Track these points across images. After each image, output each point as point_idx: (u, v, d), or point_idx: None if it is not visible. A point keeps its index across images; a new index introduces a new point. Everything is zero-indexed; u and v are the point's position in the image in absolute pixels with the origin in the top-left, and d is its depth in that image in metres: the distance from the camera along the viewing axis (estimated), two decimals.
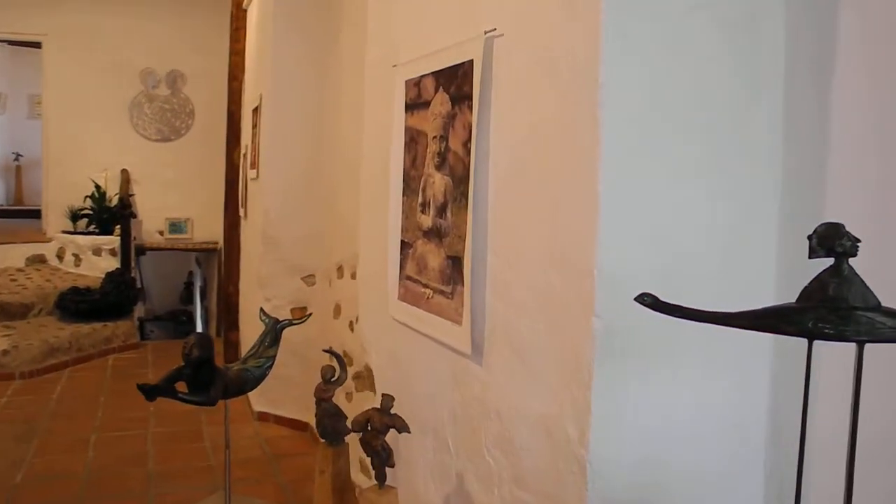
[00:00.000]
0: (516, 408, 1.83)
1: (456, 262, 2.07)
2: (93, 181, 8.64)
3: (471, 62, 1.99)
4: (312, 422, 5.12)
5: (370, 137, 2.87)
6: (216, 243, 9.32)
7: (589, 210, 1.58)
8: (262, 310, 4.46)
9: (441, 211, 2.16)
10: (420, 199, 2.30)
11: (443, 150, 2.15)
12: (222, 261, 9.22)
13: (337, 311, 4.65)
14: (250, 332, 6.10)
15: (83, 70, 8.76)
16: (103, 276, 7.86)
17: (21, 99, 14.35)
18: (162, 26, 8.97)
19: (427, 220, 2.25)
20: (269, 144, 4.98)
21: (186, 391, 3.59)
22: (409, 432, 2.01)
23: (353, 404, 4.25)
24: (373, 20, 2.85)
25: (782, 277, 1.73)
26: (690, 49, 1.63)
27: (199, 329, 11.84)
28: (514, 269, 1.84)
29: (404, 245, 2.42)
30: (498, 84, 1.92)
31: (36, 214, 11.48)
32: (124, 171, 8.66)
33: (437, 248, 2.18)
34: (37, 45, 9.95)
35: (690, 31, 1.63)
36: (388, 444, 2.00)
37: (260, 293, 5.16)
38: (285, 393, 5.03)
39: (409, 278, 2.37)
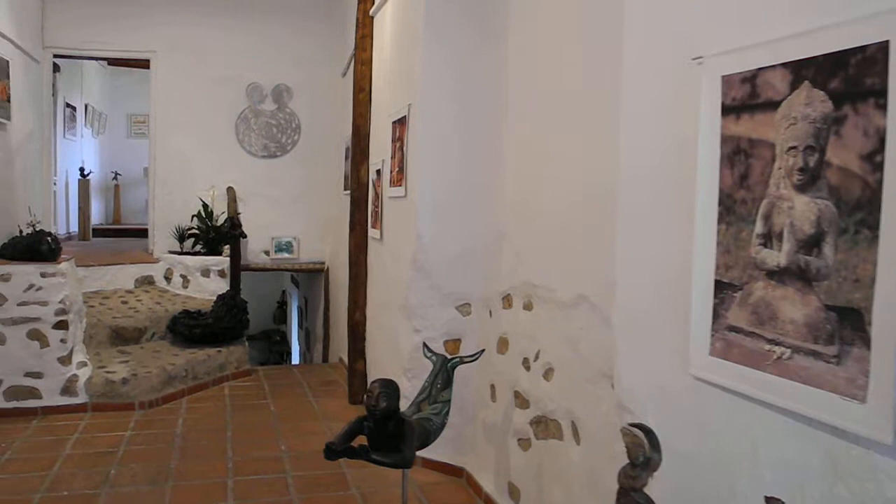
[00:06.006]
0: None
1: (847, 314, 1.53)
2: (200, 199, 8.38)
3: (881, 45, 1.46)
4: (467, 466, 4.67)
5: (634, 149, 2.35)
6: (322, 264, 8.97)
7: None
8: (425, 346, 4.00)
9: (810, 245, 1.62)
10: (759, 229, 1.77)
11: (811, 164, 1.62)
12: (329, 282, 8.87)
13: (503, 345, 4.15)
14: (379, 362, 5.66)
15: (190, 86, 8.57)
16: (212, 298, 7.56)
17: (120, 118, 14.43)
18: (268, 40, 8.74)
19: (776, 257, 1.71)
20: (421, 159, 4.52)
21: (368, 446, 3.13)
22: None
23: (531, 453, 3.75)
24: (638, 3, 2.33)
25: None
26: None
27: (296, 349, 11.54)
28: None
29: (722, 286, 1.88)
30: None
31: (135, 233, 11.42)
32: (230, 189, 8.38)
33: (802, 295, 1.64)
34: (136, 64, 9.86)
35: None
36: None
37: (407, 323, 4.69)
38: None
39: (734, 329, 1.84)
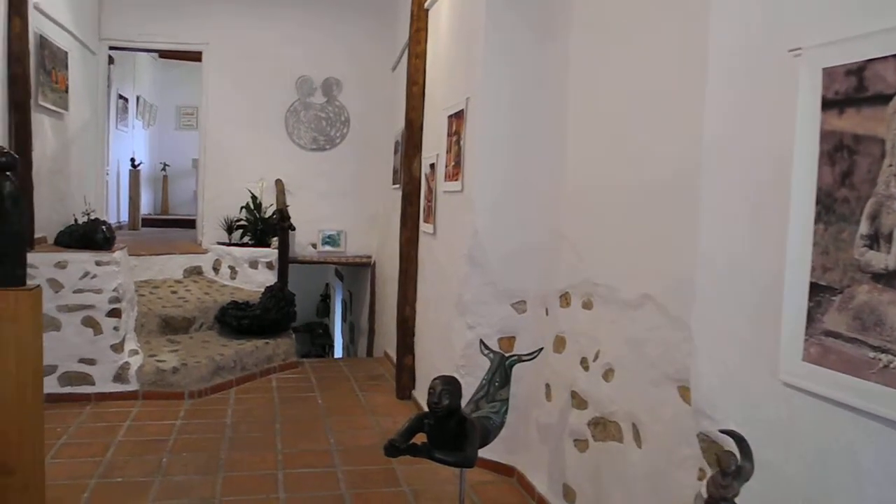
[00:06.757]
0: None
1: None
2: (249, 191, 8.42)
3: None
4: (519, 465, 4.61)
5: (718, 143, 2.26)
6: (369, 258, 8.96)
7: None
8: (482, 343, 3.93)
9: None
10: (864, 230, 1.68)
11: None
12: (375, 276, 8.87)
13: (559, 344, 4.06)
14: (429, 357, 5.62)
15: (240, 78, 8.63)
16: (259, 289, 7.60)
17: (169, 110, 14.63)
18: (318, 33, 8.76)
19: (884, 259, 1.62)
20: (479, 153, 4.45)
21: (429, 444, 3.07)
22: None
23: (588, 454, 3.67)
24: None
25: None
26: None
27: (339, 342, 11.57)
28: None
29: (819, 289, 1.79)
30: None
31: (182, 224, 11.56)
32: (279, 182, 8.41)
33: None
34: (187, 56, 9.95)
35: None
36: None
37: (460, 319, 4.63)
38: None
39: (832, 335, 1.75)
